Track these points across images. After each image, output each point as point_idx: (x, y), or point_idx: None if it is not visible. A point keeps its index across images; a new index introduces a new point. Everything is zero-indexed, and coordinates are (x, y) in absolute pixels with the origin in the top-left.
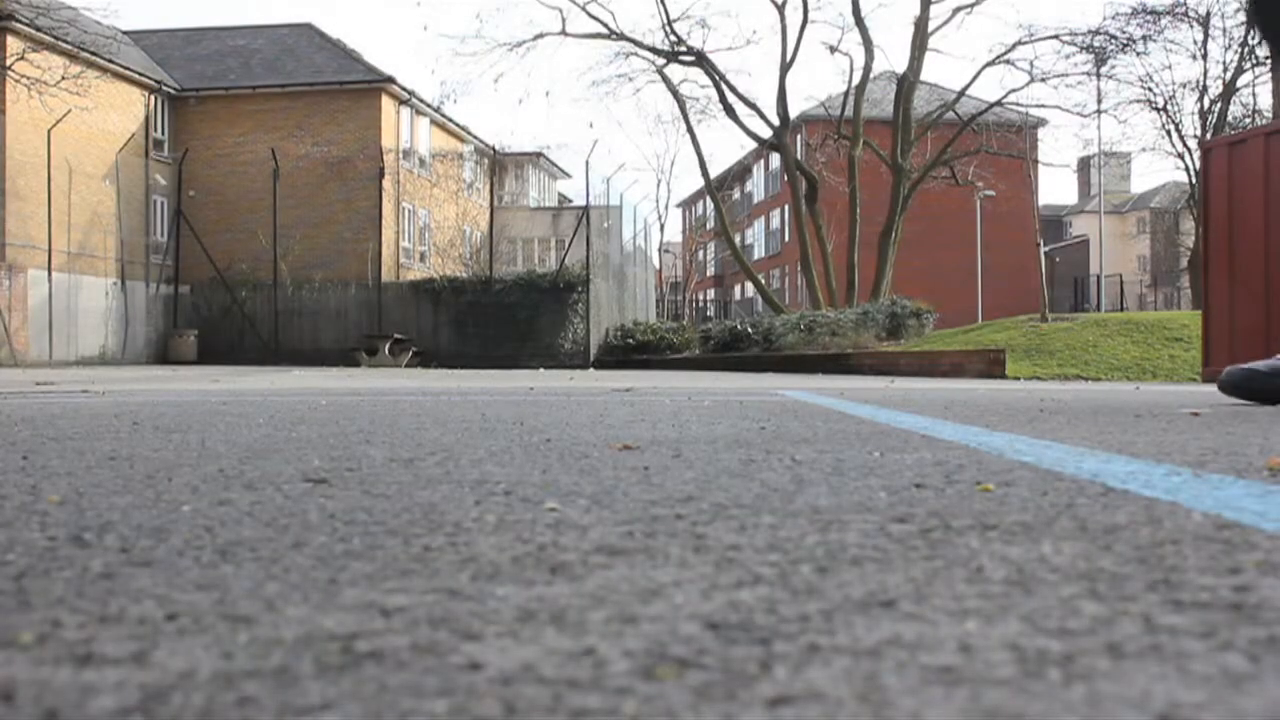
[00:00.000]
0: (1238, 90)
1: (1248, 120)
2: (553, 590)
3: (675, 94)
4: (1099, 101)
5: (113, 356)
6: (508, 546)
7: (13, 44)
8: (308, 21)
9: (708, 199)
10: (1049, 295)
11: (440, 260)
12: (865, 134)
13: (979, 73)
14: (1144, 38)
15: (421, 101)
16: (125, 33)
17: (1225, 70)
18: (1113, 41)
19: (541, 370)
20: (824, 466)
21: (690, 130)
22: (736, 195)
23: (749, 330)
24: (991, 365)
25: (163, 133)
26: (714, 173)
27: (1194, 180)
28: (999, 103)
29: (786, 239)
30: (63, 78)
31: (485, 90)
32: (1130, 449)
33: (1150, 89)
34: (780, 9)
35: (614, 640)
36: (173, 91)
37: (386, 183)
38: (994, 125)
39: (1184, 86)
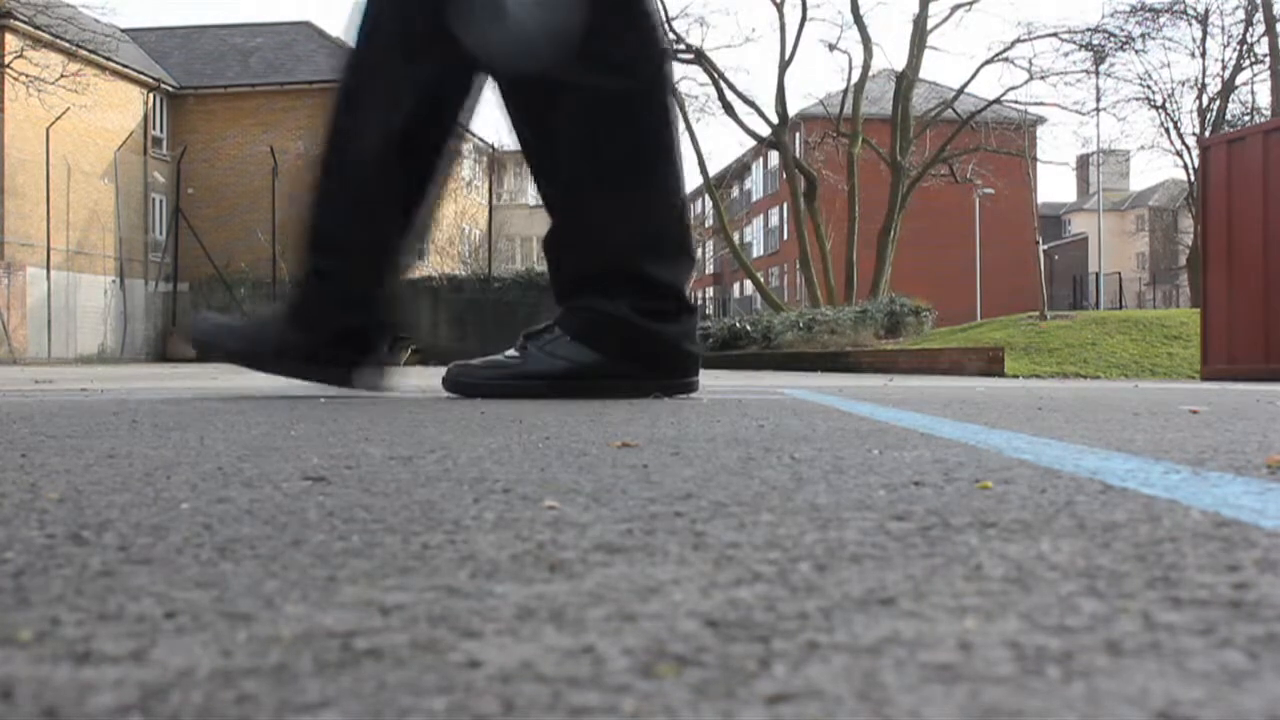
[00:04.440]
0: (1236, 88)
1: (1246, 118)
2: (552, 588)
3: (674, 91)
4: (1098, 99)
5: (111, 354)
6: (507, 544)
7: (11, 41)
8: (306, 20)
9: (706, 197)
10: (1048, 293)
11: (439, 258)
12: (864, 132)
13: (978, 70)
14: (1143, 35)
15: None
16: (124, 30)
17: (1224, 68)
18: (1111, 39)
19: None
20: (823, 464)
21: (689, 128)
22: (735, 193)
23: (748, 328)
24: (990, 363)
25: (161, 130)
26: (713, 170)
27: (1193, 178)
28: (998, 100)
29: (785, 237)
30: (61, 75)
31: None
32: (1129, 446)
33: (1149, 87)
34: (779, 7)
35: (613, 638)
36: (171, 89)
37: None
38: (993, 123)
39: (1183, 84)
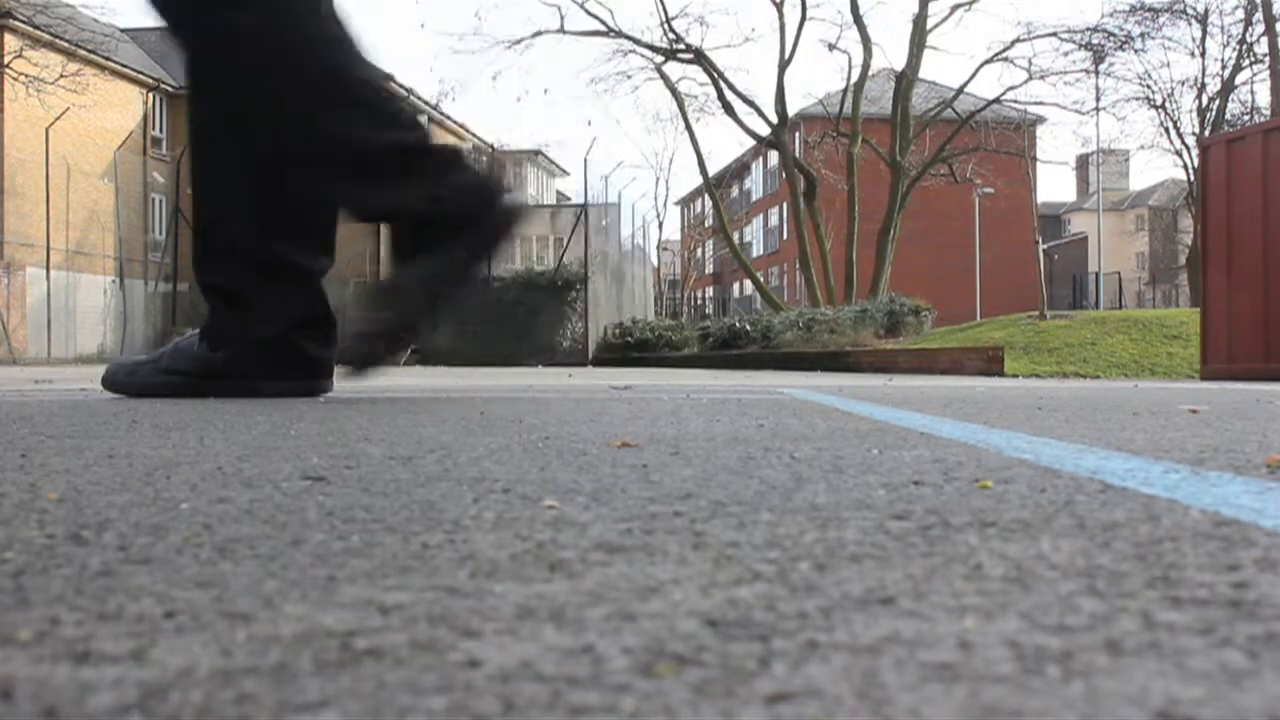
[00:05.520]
0: (1236, 87)
1: (1246, 117)
2: (551, 587)
3: (674, 92)
4: (1097, 99)
5: (111, 354)
6: (506, 544)
7: (11, 41)
8: None
9: (706, 196)
10: (1047, 293)
11: None
12: (864, 131)
13: (977, 70)
14: (1142, 35)
15: (419, 99)
16: (123, 30)
17: (1224, 67)
18: (1111, 39)
19: (540, 368)
20: (823, 463)
21: (689, 128)
22: (735, 193)
23: (747, 328)
24: (990, 363)
25: (161, 130)
26: (712, 170)
27: (1192, 178)
28: (997, 100)
29: (785, 236)
30: (61, 75)
31: (483, 87)
32: (1129, 446)
33: (1149, 86)
34: (779, 6)
35: (613, 637)
36: (171, 89)
37: None
38: (992, 122)
39: (1182, 84)
